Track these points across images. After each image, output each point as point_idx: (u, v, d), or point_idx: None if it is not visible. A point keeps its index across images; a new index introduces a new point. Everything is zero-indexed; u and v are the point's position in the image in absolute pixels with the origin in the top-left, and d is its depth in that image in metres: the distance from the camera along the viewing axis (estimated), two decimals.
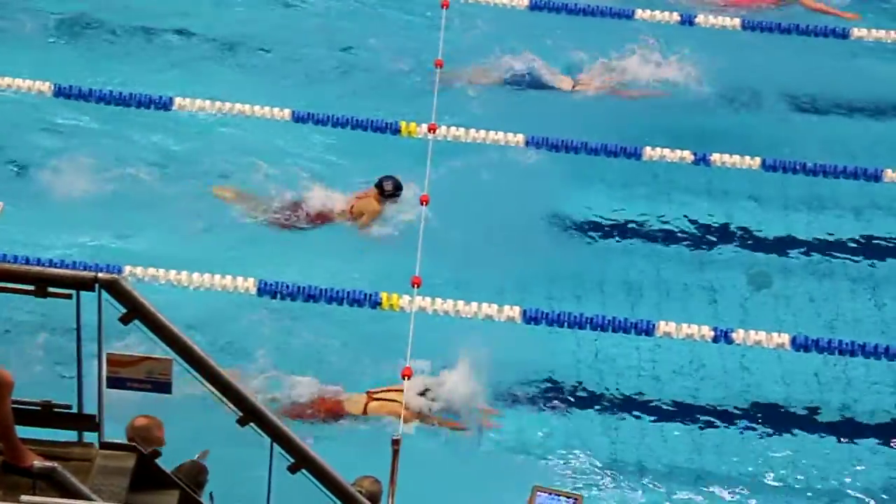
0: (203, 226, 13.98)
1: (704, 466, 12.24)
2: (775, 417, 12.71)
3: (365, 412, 11.94)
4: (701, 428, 12.53)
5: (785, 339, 12.53)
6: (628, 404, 12.71)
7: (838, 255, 14.50)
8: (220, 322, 12.88)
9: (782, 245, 14.58)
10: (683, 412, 12.74)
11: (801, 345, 12.57)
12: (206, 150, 14.85)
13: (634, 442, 12.41)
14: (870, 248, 14.57)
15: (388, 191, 13.89)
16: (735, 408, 12.81)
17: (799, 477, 12.20)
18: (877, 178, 14.33)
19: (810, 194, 15.07)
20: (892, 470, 12.31)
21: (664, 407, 12.74)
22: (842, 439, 12.47)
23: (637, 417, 12.66)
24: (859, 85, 16.72)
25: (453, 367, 12.39)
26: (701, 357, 13.09)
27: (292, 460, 7.44)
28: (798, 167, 14.52)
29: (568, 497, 9.01)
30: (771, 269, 14.21)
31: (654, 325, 12.49)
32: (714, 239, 14.63)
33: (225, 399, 7.09)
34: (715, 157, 14.43)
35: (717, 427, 12.64)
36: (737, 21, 16.34)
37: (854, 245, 14.60)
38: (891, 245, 14.64)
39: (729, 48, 16.58)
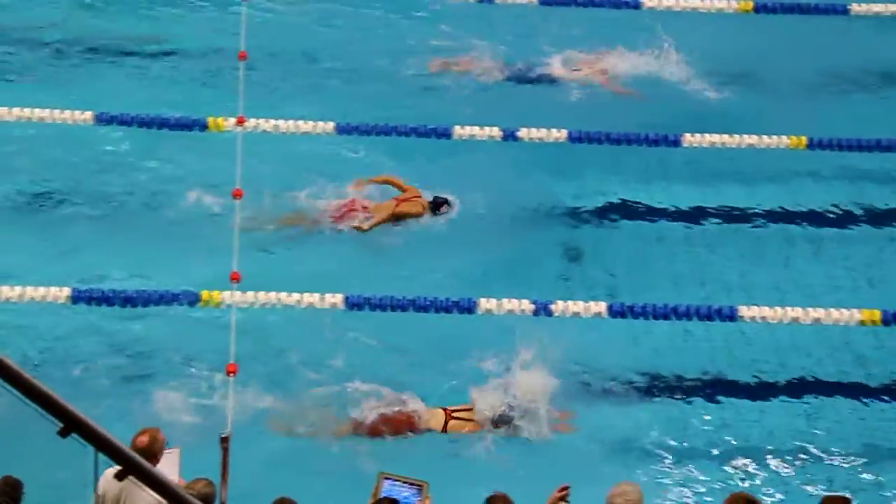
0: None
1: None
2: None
3: (445, 430, 11.90)
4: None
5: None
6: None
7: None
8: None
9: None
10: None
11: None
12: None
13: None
14: None
15: (444, 211, 13.96)
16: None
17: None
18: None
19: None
20: None
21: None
22: None
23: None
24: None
25: (523, 369, 12.38)
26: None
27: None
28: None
29: (413, 484, 9.02)
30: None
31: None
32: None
33: (45, 411, 6.91)
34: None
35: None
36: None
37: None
38: None
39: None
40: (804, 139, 14.49)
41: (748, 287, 13.81)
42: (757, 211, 14.94)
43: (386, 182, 14.27)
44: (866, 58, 16.81)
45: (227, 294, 12.17)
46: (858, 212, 14.93)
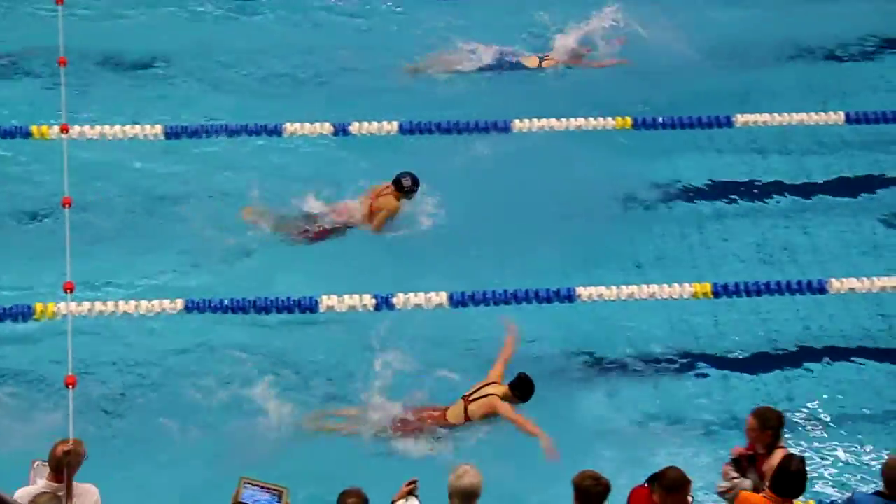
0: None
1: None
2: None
3: (468, 418, 11.74)
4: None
5: None
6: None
7: None
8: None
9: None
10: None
11: None
12: None
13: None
14: None
15: (407, 186, 13.47)
16: None
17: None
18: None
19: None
20: None
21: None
22: None
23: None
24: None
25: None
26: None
27: None
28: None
29: (272, 490, 8.92)
30: None
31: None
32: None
33: None
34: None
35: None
36: None
37: None
38: None
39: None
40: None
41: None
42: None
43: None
44: None
45: (62, 305, 11.86)
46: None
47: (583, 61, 15.88)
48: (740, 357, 12.78)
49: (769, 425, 9.68)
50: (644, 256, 13.77)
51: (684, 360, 12.77)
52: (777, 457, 9.42)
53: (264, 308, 12.23)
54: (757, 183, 14.76)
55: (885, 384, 12.50)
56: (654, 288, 12.35)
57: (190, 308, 12.10)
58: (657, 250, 13.87)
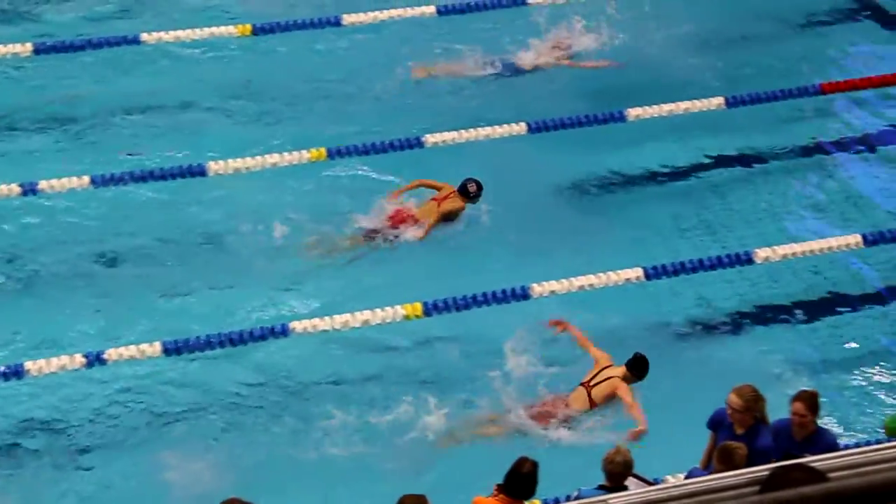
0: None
1: None
2: None
3: (593, 404, 11.91)
4: None
5: None
6: None
7: None
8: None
9: None
10: None
11: None
12: None
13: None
14: None
15: (473, 192, 13.95)
16: None
17: None
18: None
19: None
20: None
21: None
22: None
23: None
24: None
25: None
26: None
27: None
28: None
29: None
30: None
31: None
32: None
33: None
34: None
35: None
36: None
37: None
38: None
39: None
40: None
41: None
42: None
43: (420, 185, 14.27)
44: None
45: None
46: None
47: (570, 62, 16.18)
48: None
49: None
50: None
51: None
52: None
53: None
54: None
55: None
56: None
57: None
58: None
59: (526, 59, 16.04)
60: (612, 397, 11.92)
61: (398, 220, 13.87)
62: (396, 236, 13.75)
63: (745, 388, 9.86)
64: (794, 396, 9.90)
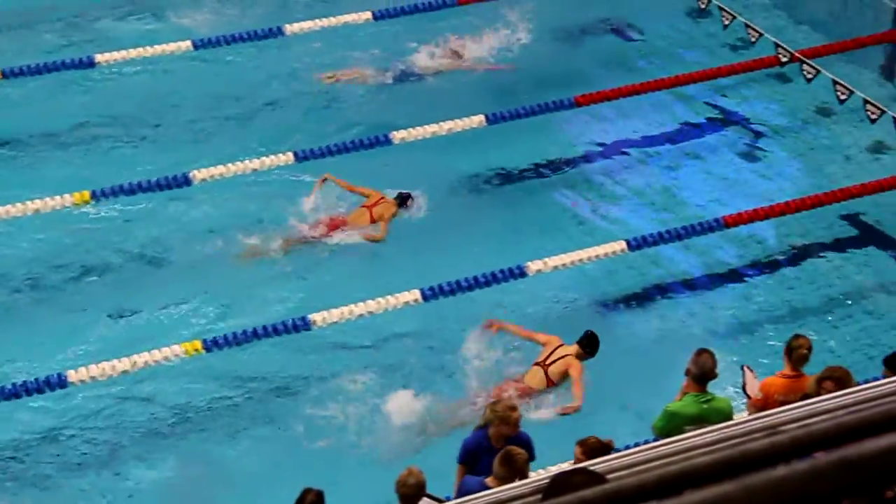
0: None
1: None
2: None
3: (550, 382, 12.30)
4: None
5: None
6: None
7: None
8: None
9: None
10: None
11: None
12: None
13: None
14: None
15: (409, 205, 14.44)
16: None
17: None
18: None
19: None
20: None
21: None
22: None
23: None
24: None
25: None
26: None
27: None
28: None
29: None
30: None
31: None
32: None
33: None
34: None
35: None
36: None
37: None
38: None
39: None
40: None
41: None
42: None
43: (349, 189, 14.50)
44: None
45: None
46: None
47: (466, 65, 16.60)
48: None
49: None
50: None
51: None
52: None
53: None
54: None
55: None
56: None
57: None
58: None
59: (426, 63, 16.46)
60: (567, 374, 12.28)
61: (332, 226, 14.09)
62: (336, 242, 13.97)
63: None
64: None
